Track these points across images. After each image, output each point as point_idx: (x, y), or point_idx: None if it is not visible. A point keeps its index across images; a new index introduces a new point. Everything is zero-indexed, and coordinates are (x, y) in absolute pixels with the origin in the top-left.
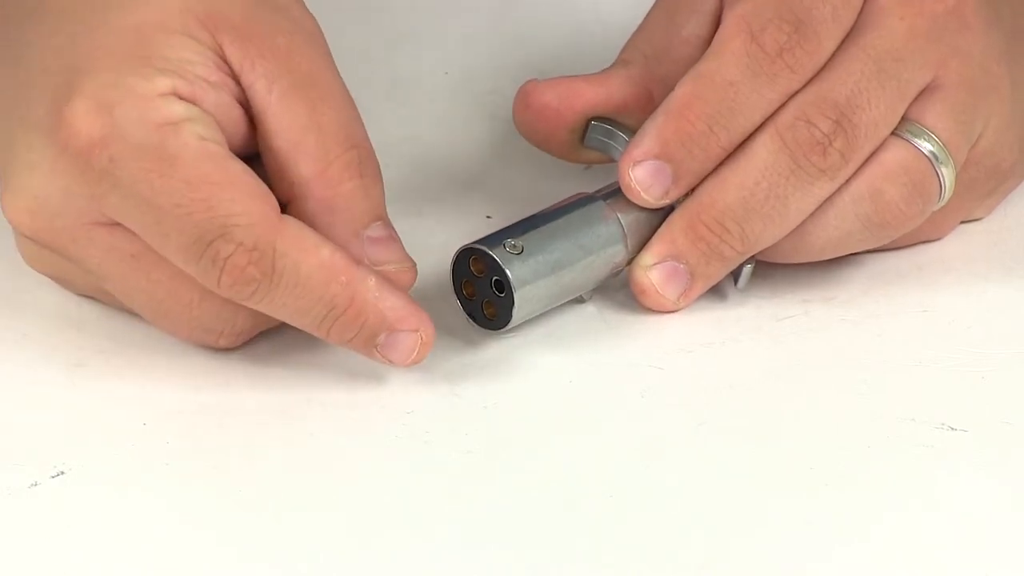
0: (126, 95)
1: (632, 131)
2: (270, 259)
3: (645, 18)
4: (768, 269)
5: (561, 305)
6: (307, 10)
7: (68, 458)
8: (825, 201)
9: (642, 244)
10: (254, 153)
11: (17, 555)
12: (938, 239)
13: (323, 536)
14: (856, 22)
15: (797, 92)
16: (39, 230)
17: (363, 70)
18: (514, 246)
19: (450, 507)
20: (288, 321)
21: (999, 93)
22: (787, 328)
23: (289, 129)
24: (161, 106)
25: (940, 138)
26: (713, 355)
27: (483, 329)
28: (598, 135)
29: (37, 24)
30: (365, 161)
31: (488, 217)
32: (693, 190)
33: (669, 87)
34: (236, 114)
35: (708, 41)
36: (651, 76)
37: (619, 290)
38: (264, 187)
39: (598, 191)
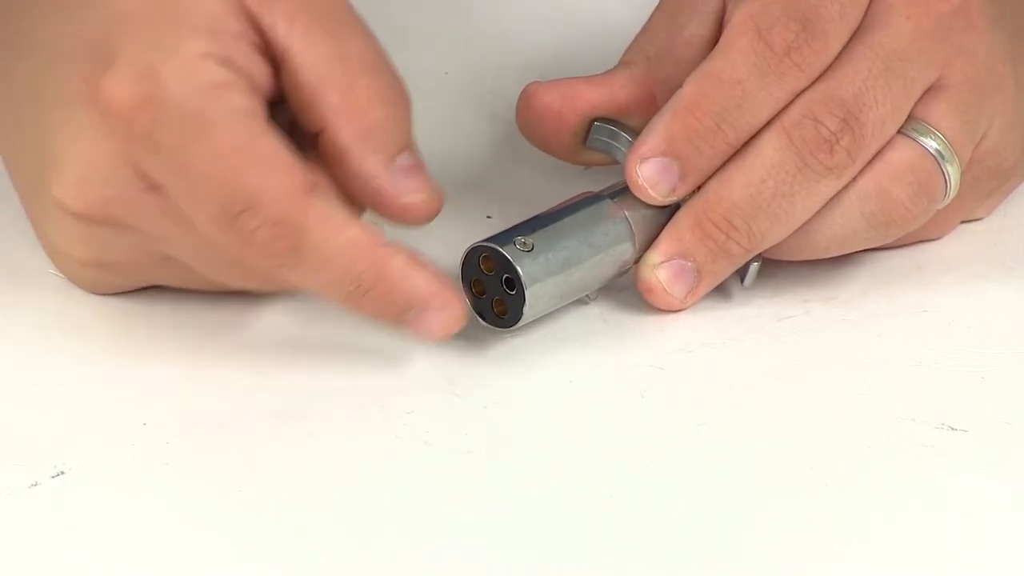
0: (169, 56)
1: (635, 132)
2: (296, 235)
3: (648, 20)
4: (768, 269)
5: (563, 306)
6: None
7: (68, 458)
8: (831, 199)
9: (649, 243)
10: (278, 100)
11: (17, 555)
12: (938, 238)
13: (323, 536)
14: (863, 20)
15: (804, 90)
16: (91, 203)
17: None
18: (524, 243)
19: (450, 507)
20: (318, 294)
21: (1003, 93)
22: (787, 328)
23: (315, 62)
24: (203, 68)
25: (945, 137)
26: (713, 355)
27: (492, 327)
28: (600, 136)
29: (45, 8)
30: (393, 88)
31: (488, 217)
32: (699, 188)
33: (671, 88)
34: (259, 62)
35: (710, 41)
36: (653, 77)
37: (619, 290)
38: (296, 161)
39: (604, 190)
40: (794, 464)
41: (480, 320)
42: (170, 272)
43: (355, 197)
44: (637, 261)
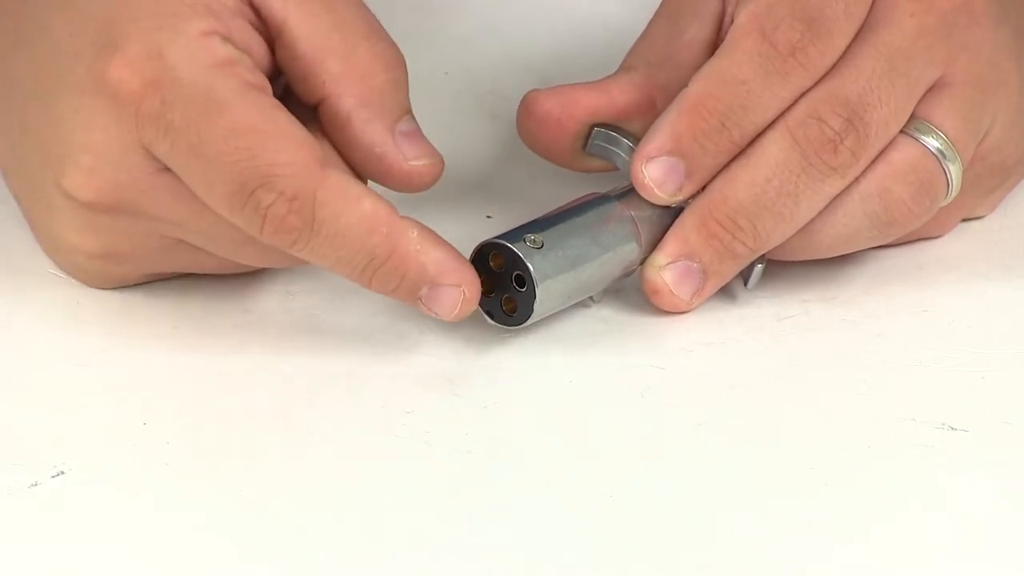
0: (174, 37)
1: (635, 138)
2: (311, 209)
3: (647, 26)
4: (768, 269)
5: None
6: None
7: (68, 458)
8: (834, 199)
9: (654, 244)
10: (273, 75)
11: (17, 555)
12: (940, 236)
13: (323, 536)
14: (867, 17)
15: (809, 89)
16: (102, 190)
17: None
18: (534, 240)
19: (450, 507)
20: (332, 270)
21: (1007, 89)
22: (787, 328)
23: (313, 32)
24: (208, 46)
25: (948, 136)
26: (713, 355)
27: (500, 327)
28: (600, 141)
29: (46, 1)
30: (391, 51)
31: (488, 217)
32: (704, 188)
33: (671, 93)
34: (257, 38)
35: (710, 45)
36: (653, 82)
37: (620, 291)
38: (308, 136)
39: (610, 191)
40: (794, 464)
41: (488, 319)
42: (178, 257)
43: (357, 166)
44: (643, 262)
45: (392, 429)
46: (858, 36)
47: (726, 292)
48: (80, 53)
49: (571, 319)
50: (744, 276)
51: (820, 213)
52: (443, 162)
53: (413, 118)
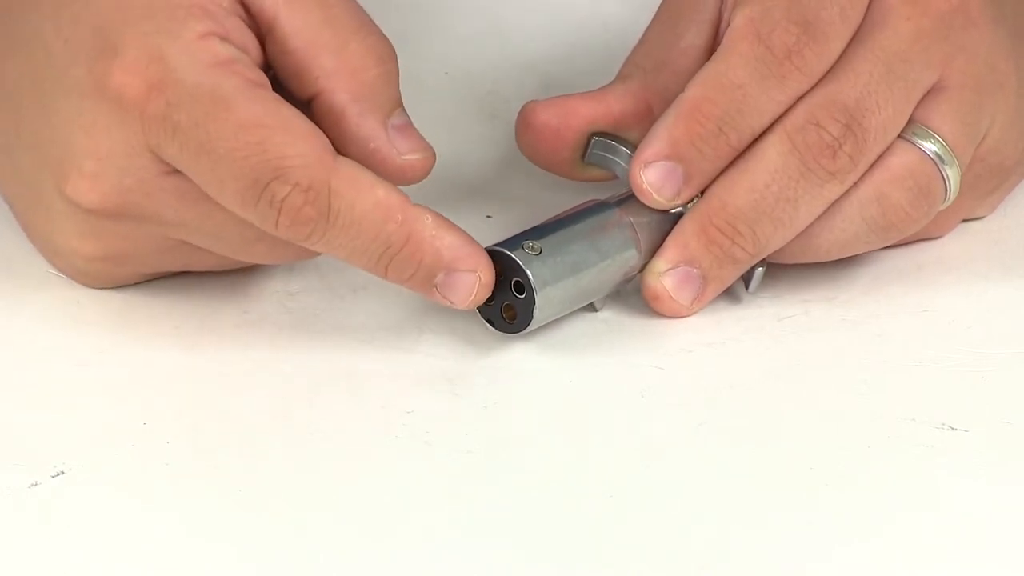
0: (172, 39)
1: (633, 146)
2: (325, 199)
3: (643, 33)
4: (769, 269)
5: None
6: None
7: (68, 458)
8: (832, 204)
9: (653, 251)
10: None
11: (17, 555)
12: (939, 237)
13: (323, 536)
14: (863, 21)
15: (806, 93)
16: (107, 195)
17: None
18: (533, 247)
19: (450, 507)
20: (347, 261)
21: (1004, 90)
22: (787, 328)
23: (304, 28)
24: (208, 46)
25: (945, 140)
26: (713, 355)
27: (500, 334)
28: (599, 151)
29: (38, 6)
30: (382, 45)
31: (488, 217)
32: (703, 193)
33: (668, 99)
34: (250, 36)
35: (707, 51)
36: (650, 89)
37: (619, 292)
38: (315, 128)
39: (609, 197)
40: (794, 464)
41: (489, 327)
42: (180, 257)
43: (351, 159)
44: (642, 269)
45: (392, 429)
46: (854, 39)
47: (726, 293)
48: (76, 59)
49: (571, 320)
50: (745, 280)
51: (819, 218)
52: (435, 155)
53: (404, 111)
